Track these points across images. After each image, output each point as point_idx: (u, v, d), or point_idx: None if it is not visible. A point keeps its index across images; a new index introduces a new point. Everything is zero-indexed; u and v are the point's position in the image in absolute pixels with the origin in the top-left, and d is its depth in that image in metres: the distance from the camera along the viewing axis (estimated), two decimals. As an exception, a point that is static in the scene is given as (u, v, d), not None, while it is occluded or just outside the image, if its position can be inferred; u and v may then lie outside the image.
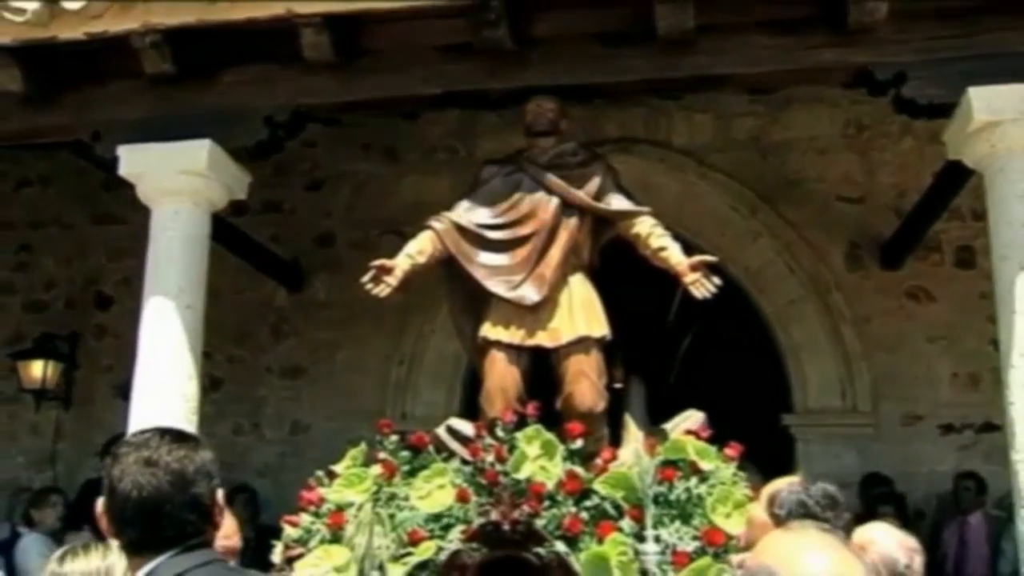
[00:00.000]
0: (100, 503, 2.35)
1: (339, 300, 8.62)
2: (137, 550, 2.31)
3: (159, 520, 2.24)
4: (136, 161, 5.95)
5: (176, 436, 2.40)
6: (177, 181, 5.92)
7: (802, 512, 3.16)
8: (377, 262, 5.40)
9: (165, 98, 5.98)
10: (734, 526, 4.22)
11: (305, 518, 4.75)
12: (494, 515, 4.32)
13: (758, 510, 3.40)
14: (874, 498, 7.48)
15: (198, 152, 5.87)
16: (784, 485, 3.40)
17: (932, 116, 5.80)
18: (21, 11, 5.55)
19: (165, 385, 5.62)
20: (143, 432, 2.41)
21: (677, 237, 8.09)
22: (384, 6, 5.58)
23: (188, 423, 5.38)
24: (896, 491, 7.76)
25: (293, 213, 9.09)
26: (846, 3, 5.37)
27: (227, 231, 7.18)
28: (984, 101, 5.36)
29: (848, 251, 8.65)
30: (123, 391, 8.42)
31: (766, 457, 5.48)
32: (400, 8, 5.58)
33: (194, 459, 2.33)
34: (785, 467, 5.28)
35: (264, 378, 8.90)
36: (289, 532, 4.73)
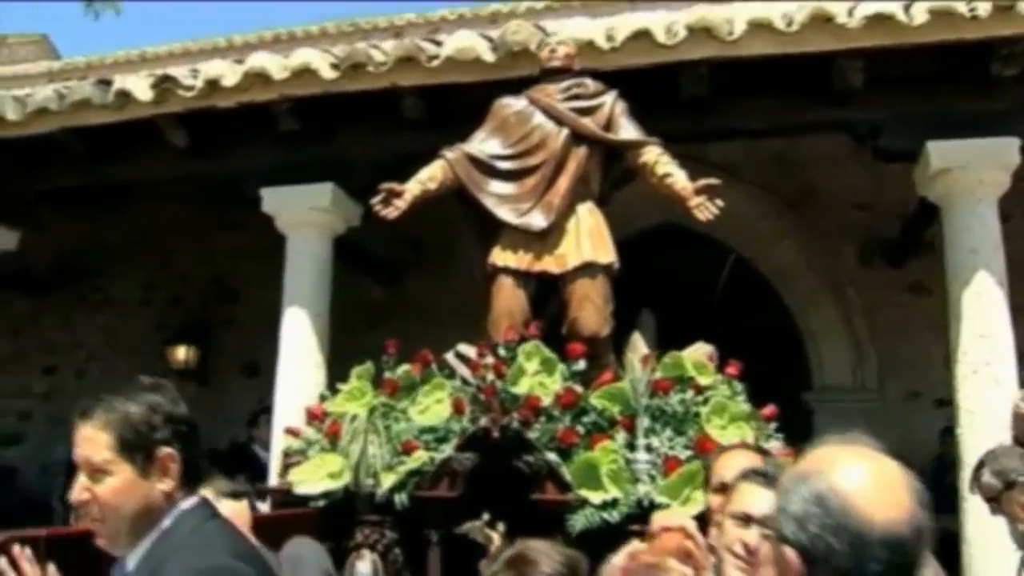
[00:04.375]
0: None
1: (427, 297, 9.55)
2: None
3: None
4: (275, 200, 7.39)
5: None
6: (307, 215, 7.36)
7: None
8: (386, 185, 5.51)
9: (296, 151, 7.29)
10: (728, 438, 4.20)
11: (307, 430, 4.85)
12: (484, 422, 4.28)
13: None
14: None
15: (323, 192, 7.27)
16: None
17: (903, 161, 6.87)
18: (190, 87, 7.09)
19: (300, 373, 7.08)
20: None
21: (712, 240, 9.45)
22: (463, 80, 6.54)
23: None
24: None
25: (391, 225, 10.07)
26: (831, 73, 6.37)
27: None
28: (939, 152, 6.46)
29: (859, 251, 9.49)
30: (250, 371, 10.06)
31: (788, 428, 6.21)
32: (475, 81, 6.50)
33: None
34: (806, 436, 6.05)
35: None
36: (291, 443, 4.86)
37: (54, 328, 10.85)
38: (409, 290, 9.98)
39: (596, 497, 3.89)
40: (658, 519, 3.37)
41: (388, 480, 4.31)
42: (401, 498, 4.23)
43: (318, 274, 7.45)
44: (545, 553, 2.43)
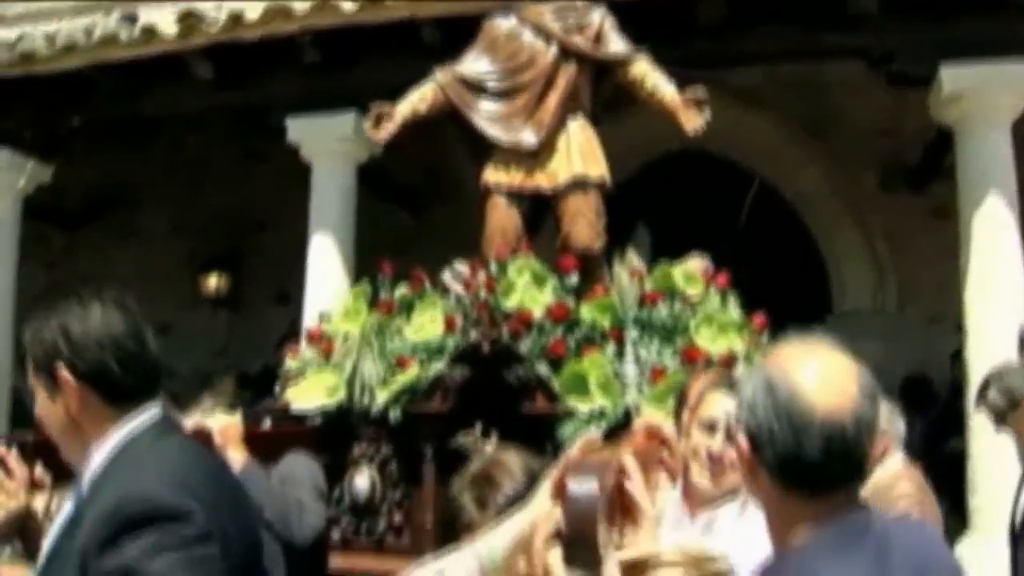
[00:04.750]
0: None
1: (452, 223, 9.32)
2: None
3: None
4: (299, 129, 7.56)
5: None
6: (331, 144, 7.56)
7: None
8: (376, 107, 5.57)
9: (319, 81, 7.44)
10: (718, 348, 4.25)
11: (306, 349, 4.90)
12: (474, 337, 4.32)
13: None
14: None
15: (345, 121, 7.39)
16: None
17: (918, 86, 6.91)
18: (214, 21, 7.24)
19: (328, 299, 7.04)
20: None
21: (736, 166, 9.52)
22: (479, 10, 6.31)
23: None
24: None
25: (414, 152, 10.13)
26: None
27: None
28: (952, 77, 6.50)
29: (881, 176, 9.51)
30: (280, 298, 10.27)
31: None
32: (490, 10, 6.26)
33: None
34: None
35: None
36: (289, 363, 4.89)
37: (88, 260, 11.06)
38: (434, 217, 10.05)
39: (584, 407, 4.00)
40: (641, 422, 3.52)
41: (382, 396, 4.38)
42: (395, 413, 4.32)
43: (343, 202, 7.68)
44: (508, 473, 2.44)
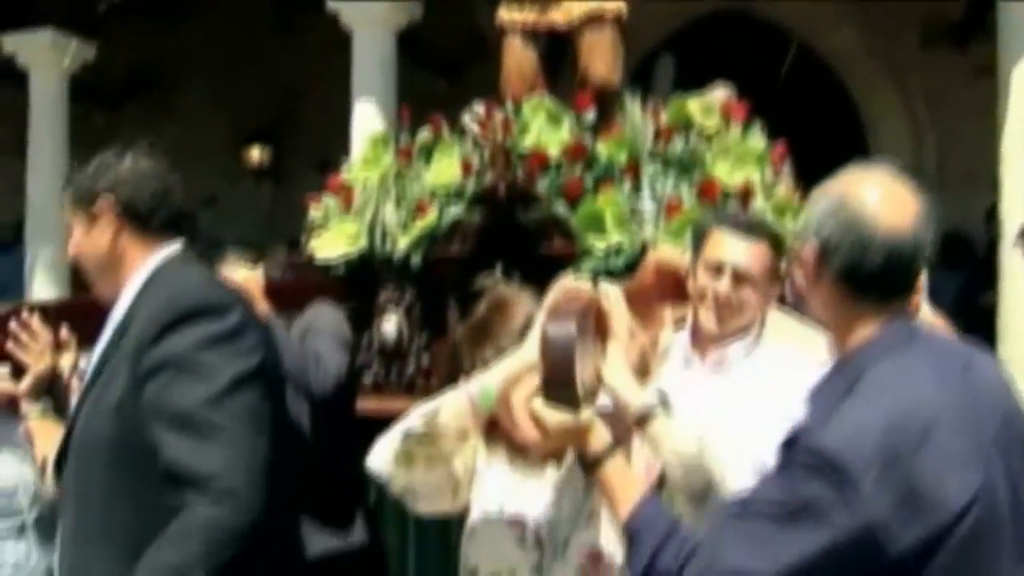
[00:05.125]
0: None
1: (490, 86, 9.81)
2: None
3: None
4: None
5: None
6: (370, 10, 7.70)
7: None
8: None
9: None
10: (735, 181, 4.14)
11: (328, 200, 4.81)
12: (489, 179, 4.27)
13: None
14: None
15: None
16: None
17: None
18: None
19: None
20: None
21: (773, 27, 9.41)
22: None
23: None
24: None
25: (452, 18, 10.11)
26: None
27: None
28: None
29: (922, 35, 9.38)
30: (322, 167, 10.36)
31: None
32: None
33: None
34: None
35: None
36: (313, 214, 4.83)
37: (131, 138, 11.17)
38: (471, 80, 9.65)
39: (601, 244, 3.97)
40: (652, 256, 3.46)
41: (403, 242, 4.37)
42: (416, 259, 4.33)
43: (384, 69, 7.79)
44: (506, 324, 2.50)
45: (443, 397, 2.33)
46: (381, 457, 2.34)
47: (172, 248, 2.59)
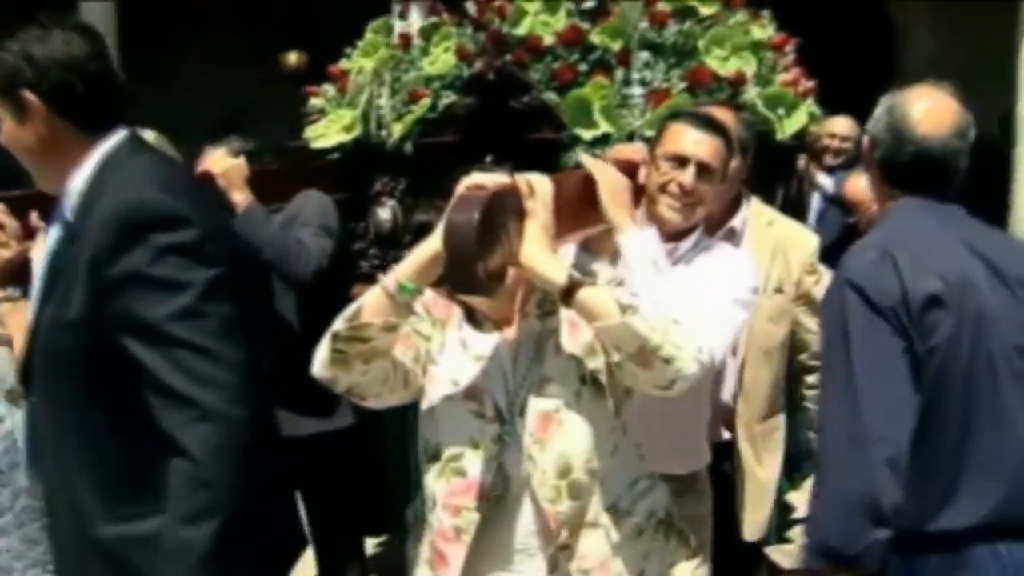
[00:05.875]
0: None
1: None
2: None
3: None
4: None
5: None
6: None
7: None
8: None
9: None
10: (729, 70, 4.08)
11: (327, 88, 4.75)
12: (479, 65, 4.24)
13: None
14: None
15: None
16: None
17: None
18: None
19: None
20: None
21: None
22: None
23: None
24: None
25: None
26: None
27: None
28: None
29: None
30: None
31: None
32: None
33: None
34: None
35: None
36: (313, 102, 4.78)
37: (164, 48, 11.16)
38: None
39: (588, 134, 3.93)
40: (616, 149, 3.55)
41: (397, 130, 4.32)
42: (408, 146, 4.31)
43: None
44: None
45: (364, 295, 2.40)
46: (319, 362, 2.42)
47: (117, 137, 2.36)
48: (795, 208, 4.63)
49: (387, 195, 4.42)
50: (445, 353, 2.58)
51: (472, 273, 2.22)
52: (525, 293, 2.53)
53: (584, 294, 2.32)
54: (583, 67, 4.15)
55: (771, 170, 4.08)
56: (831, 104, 5.04)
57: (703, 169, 2.88)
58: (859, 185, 4.84)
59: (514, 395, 2.48)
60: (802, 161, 4.93)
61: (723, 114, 3.22)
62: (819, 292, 3.48)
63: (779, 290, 3.45)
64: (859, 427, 2.32)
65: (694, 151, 2.88)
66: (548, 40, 4.21)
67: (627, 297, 2.37)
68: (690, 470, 3.14)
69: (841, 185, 5.91)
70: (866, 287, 2.37)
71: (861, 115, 4.91)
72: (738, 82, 4.04)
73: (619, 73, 4.13)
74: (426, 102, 4.27)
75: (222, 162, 4.01)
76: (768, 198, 3.99)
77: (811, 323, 3.48)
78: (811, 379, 3.56)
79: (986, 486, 2.37)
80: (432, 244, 2.33)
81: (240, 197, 3.95)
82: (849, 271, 2.44)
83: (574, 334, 2.47)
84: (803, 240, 3.59)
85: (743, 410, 3.44)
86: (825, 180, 6.37)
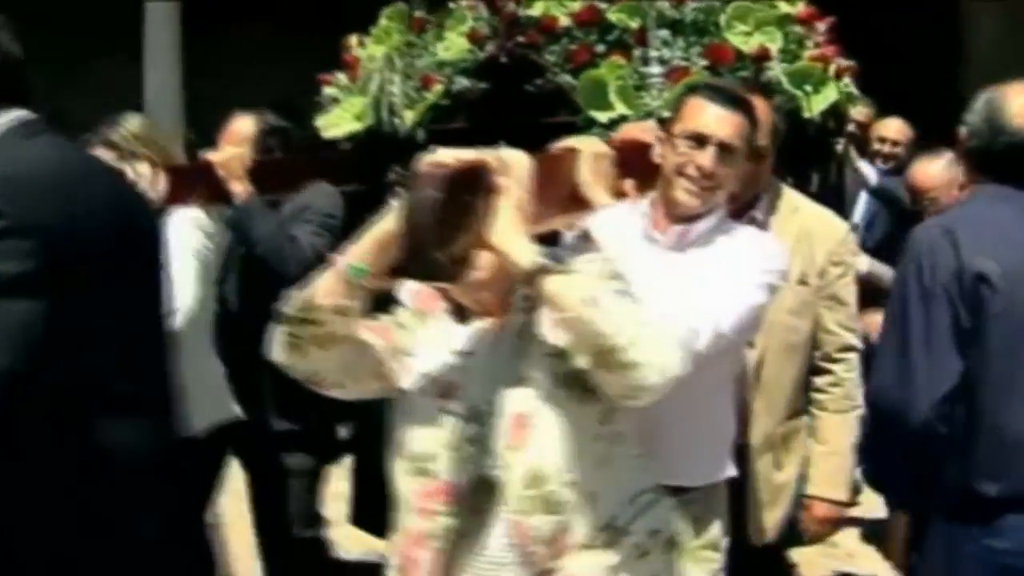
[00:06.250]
0: None
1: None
2: None
3: None
4: None
5: None
6: None
7: None
8: None
9: None
10: (752, 46, 3.87)
11: (340, 77, 4.64)
12: (491, 48, 4.08)
13: None
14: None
15: None
16: None
17: None
18: None
19: None
20: None
21: None
22: None
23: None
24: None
25: None
26: None
27: None
28: None
29: None
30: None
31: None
32: None
33: None
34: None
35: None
36: (326, 91, 4.67)
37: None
38: None
39: (604, 116, 3.74)
40: (624, 128, 3.37)
41: (409, 117, 4.17)
42: (421, 134, 4.12)
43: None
44: None
45: (319, 277, 2.26)
46: (274, 346, 2.28)
47: (6, 118, 2.29)
48: (835, 195, 4.40)
49: (402, 185, 4.26)
50: (423, 346, 2.41)
51: (431, 256, 2.04)
52: (511, 283, 2.32)
53: (550, 281, 2.11)
54: (600, 48, 3.96)
55: (802, 151, 3.85)
56: (895, 94, 4.88)
57: (724, 149, 2.68)
58: (928, 172, 4.67)
59: (491, 394, 2.29)
60: (840, 145, 4.68)
61: (757, 104, 2.99)
62: (844, 287, 3.29)
63: (803, 281, 3.20)
64: (909, 392, 2.50)
65: (714, 129, 2.67)
66: (564, 21, 4.02)
67: (607, 290, 2.16)
68: (707, 482, 2.89)
69: (882, 178, 5.66)
70: (923, 260, 2.54)
71: (926, 104, 4.82)
72: (761, 58, 3.83)
73: (637, 52, 3.93)
74: (439, 88, 4.11)
75: (221, 152, 3.96)
76: (801, 183, 3.80)
77: (830, 320, 3.26)
78: (819, 380, 3.31)
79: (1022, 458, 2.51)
80: (388, 223, 2.16)
81: (239, 188, 3.88)
82: (912, 244, 2.62)
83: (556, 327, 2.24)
84: (830, 228, 3.36)
85: (761, 410, 3.19)
86: (867, 168, 6.08)
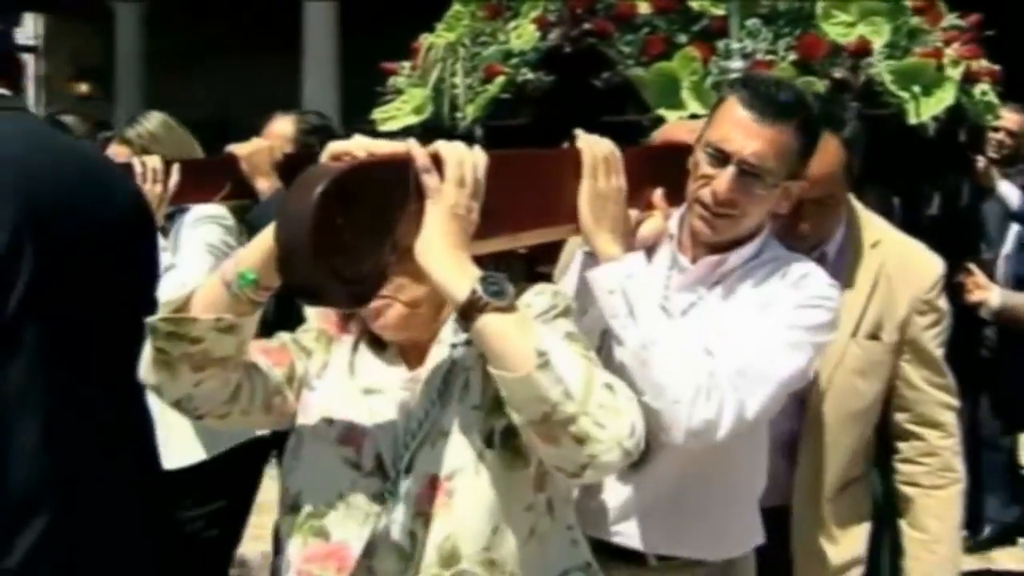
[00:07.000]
0: None
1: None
2: None
3: None
4: None
5: None
6: None
7: None
8: None
9: None
10: (851, 39, 3.46)
11: (403, 65, 4.40)
12: (554, 37, 3.71)
13: None
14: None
15: None
16: None
17: None
18: None
19: None
20: None
21: None
22: None
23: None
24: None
25: None
26: None
27: None
28: None
29: None
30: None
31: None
32: None
33: None
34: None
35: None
36: (392, 80, 4.42)
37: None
38: None
39: (673, 115, 3.29)
40: (665, 128, 2.88)
41: (469, 111, 3.82)
42: (478, 131, 3.77)
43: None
44: None
45: (198, 284, 1.83)
46: (142, 363, 1.83)
47: None
48: (965, 220, 3.79)
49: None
50: (326, 378, 1.98)
51: (313, 274, 1.54)
52: (438, 310, 1.92)
53: (488, 321, 1.63)
54: (682, 38, 3.52)
55: (911, 165, 3.29)
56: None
57: (747, 171, 2.11)
58: None
59: (402, 446, 1.86)
60: (981, 163, 4.03)
61: (828, 143, 2.41)
62: (932, 338, 2.65)
63: (874, 335, 2.59)
64: None
65: (739, 145, 2.10)
66: (643, 8, 3.59)
67: (558, 337, 1.74)
68: (727, 556, 2.36)
69: None
70: None
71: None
72: (860, 52, 3.29)
73: (721, 44, 3.45)
74: (501, 80, 3.72)
75: (247, 146, 3.73)
76: (911, 204, 3.27)
77: (916, 376, 2.63)
78: (907, 449, 2.68)
79: None
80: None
81: (264, 184, 3.65)
82: None
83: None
84: (921, 268, 2.66)
85: (809, 477, 2.63)
86: (1010, 191, 5.04)
